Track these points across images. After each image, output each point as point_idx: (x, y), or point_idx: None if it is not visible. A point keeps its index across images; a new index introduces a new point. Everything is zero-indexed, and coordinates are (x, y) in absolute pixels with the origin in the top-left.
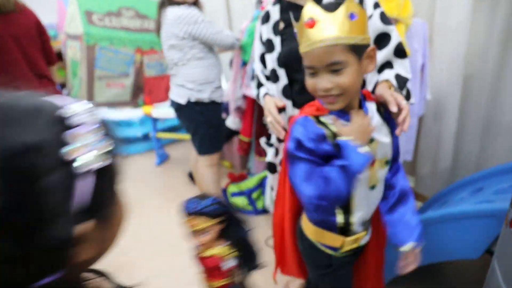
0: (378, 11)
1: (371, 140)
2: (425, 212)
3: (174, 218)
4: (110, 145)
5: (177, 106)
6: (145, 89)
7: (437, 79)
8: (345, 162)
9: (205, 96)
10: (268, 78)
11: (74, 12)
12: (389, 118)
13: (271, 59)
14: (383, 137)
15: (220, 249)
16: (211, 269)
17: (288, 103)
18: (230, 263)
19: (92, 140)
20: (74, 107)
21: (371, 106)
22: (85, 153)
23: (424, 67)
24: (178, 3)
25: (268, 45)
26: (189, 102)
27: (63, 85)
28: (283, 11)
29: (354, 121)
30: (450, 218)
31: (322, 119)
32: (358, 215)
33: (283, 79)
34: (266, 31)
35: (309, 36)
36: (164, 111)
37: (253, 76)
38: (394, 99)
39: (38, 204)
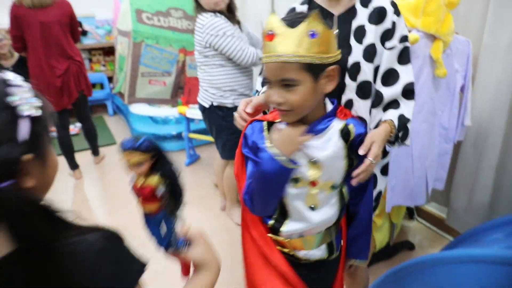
0: (401, 46)
1: (314, 162)
2: (454, 249)
3: (189, 220)
4: (40, 102)
5: (202, 109)
6: (185, 88)
7: (480, 103)
8: (258, 159)
9: (228, 101)
10: None
11: (126, 9)
12: (357, 147)
13: None
14: (335, 160)
15: (153, 179)
16: (146, 196)
17: None
18: (161, 190)
19: (27, 96)
20: (11, 75)
21: (336, 125)
22: (23, 103)
23: (464, 89)
24: (206, 11)
25: None
26: (212, 106)
27: (110, 78)
28: None
29: (283, 132)
30: (470, 259)
31: (275, 126)
32: (291, 227)
33: None
34: None
35: (267, 49)
36: (198, 112)
37: (261, 72)
38: (368, 146)
39: None
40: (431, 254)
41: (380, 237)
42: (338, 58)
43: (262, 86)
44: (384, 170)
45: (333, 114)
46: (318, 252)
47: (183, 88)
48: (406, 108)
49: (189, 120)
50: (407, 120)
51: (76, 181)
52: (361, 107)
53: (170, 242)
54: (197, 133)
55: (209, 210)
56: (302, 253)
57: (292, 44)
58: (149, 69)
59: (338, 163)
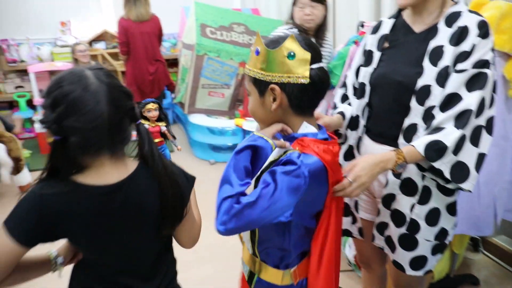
0: (475, 71)
1: None
2: None
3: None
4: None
5: None
6: (244, 101)
7: None
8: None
9: None
10: (355, 92)
11: (191, 24)
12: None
13: (365, 72)
14: None
15: (160, 122)
16: (157, 133)
17: (361, 123)
18: (164, 128)
19: None
20: None
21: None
22: None
23: None
24: (294, 25)
25: (367, 57)
26: None
27: (172, 89)
28: (395, 29)
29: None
30: None
31: None
32: None
33: (367, 97)
34: (371, 42)
35: None
36: (254, 125)
37: (344, 84)
38: (350, 166)
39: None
40: None
41: (439, 267)
42: (281, 80)
43: (342, 101)
44: (451, 209)
45: (291, 140)
46: (244, 265)
47: (240, 101)
48: (451, 135)
49: (246, 132)
50: (444, 147)
51: None
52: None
53: None
54: None
55: None
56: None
57: (249, 59)
58: (210, 81)
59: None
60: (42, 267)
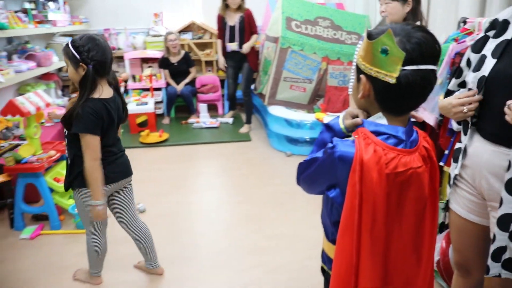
0: None
1: None
2: None
3: (289, 228)
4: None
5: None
6: (326, 97)
7: None
8: None
9: None
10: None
11: (277, 17)
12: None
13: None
14: None
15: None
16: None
17: None
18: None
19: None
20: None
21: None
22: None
23: None
24: None
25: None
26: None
27: (253, 80)
28: None
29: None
30: None
31: None
32: None
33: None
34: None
35: None
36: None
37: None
38: None
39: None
40: None
41: None
42: (370, 73)
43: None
44: None
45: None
46: None
47: (320, 96)
48: None
49: None
50: None
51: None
52: None
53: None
54: None
55: None
56: None
57: None
58: (292, 75)
59: None
60: None
